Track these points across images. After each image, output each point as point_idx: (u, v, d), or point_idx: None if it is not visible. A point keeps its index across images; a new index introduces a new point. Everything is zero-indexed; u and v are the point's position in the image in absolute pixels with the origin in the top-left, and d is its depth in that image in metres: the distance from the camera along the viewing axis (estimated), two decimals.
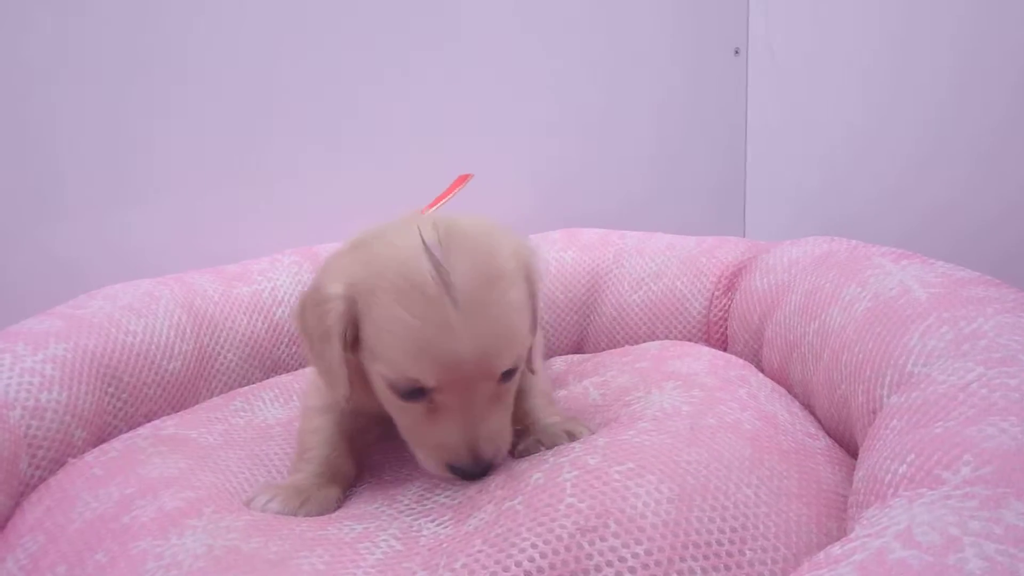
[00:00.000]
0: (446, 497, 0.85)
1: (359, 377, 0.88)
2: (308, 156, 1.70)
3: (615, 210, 1.96)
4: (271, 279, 1.44)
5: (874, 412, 0.77)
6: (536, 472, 0.78)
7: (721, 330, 1.27)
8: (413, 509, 0.84)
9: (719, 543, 0.69)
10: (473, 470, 0.84)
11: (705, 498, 0.72)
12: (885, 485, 0.63)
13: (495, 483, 0.81)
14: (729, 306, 1.26)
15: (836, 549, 0.53)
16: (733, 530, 0.70)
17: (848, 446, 0.89)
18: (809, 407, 0.98)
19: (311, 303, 0.86)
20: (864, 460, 0.71)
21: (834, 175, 1.87)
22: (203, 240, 1.62)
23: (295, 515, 0.84)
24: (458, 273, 0.80)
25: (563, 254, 1.50)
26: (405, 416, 0.87)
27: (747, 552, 0.69)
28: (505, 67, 1.87)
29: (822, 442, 0.88)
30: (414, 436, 0.87)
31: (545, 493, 0.74)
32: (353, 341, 0.85)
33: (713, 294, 1.28)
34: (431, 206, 1.00)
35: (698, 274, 1.31)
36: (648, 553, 0.67)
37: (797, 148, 1.97)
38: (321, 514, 0.86)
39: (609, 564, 0.66)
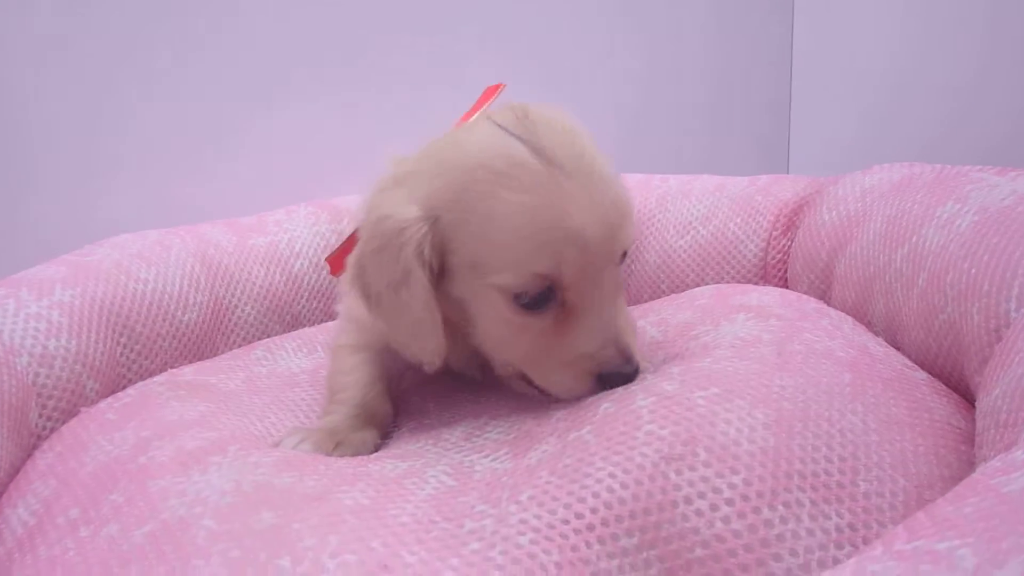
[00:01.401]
0: (498, 433, 0.75)
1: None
2: (320, 108, 1.61)
3: (650, 156, 1.87)
4: (287, 230, 1.36)
5: (998, 330, 0.67)
6: (605, 402, 0.69)
7: (780, 273, 1.17)
8: (462, 446, 0.74)
9: (827, 473, 0.59)
10: (627, 370, 0.73)
11: (807, 424, 0.62)
12: None
13: (556, 415, 0.72)
14: (789, 247, 1.16)
15: (1019, 454, 0.43)
16: (842, 459, 0.60)
17: (950, 381, 0.79)
18: (896, 345, 0.88)
19: (372, 250, 0.74)
20: (1000, 378, 0.61)
21: (882, 116, 1.77)
22: (206, 202, 1.53)
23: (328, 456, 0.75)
24: (553, 146, 0.70)
25: None
26: (526, 340, 0.75)
27: (861, 483, 0.59)
28: (539, 7, 1.77)
29: (922, 374, 0.78)
30: (542, 361, 0.76)
31: (618, 422, 0.64)
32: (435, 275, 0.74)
33: (771, 234, 1.18)
34: (462, 121, 0.90)
35: (753, 214, 1.21)
36: (747, 483, 0.57)
37: (844, 90, 1.87)
38: (356, 455, 0.77)
39: (702, 495, 0.57)
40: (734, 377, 0.68)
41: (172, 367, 1.09)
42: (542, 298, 0.72)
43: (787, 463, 0.59)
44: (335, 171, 1.60)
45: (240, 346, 1.22)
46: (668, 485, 0.58)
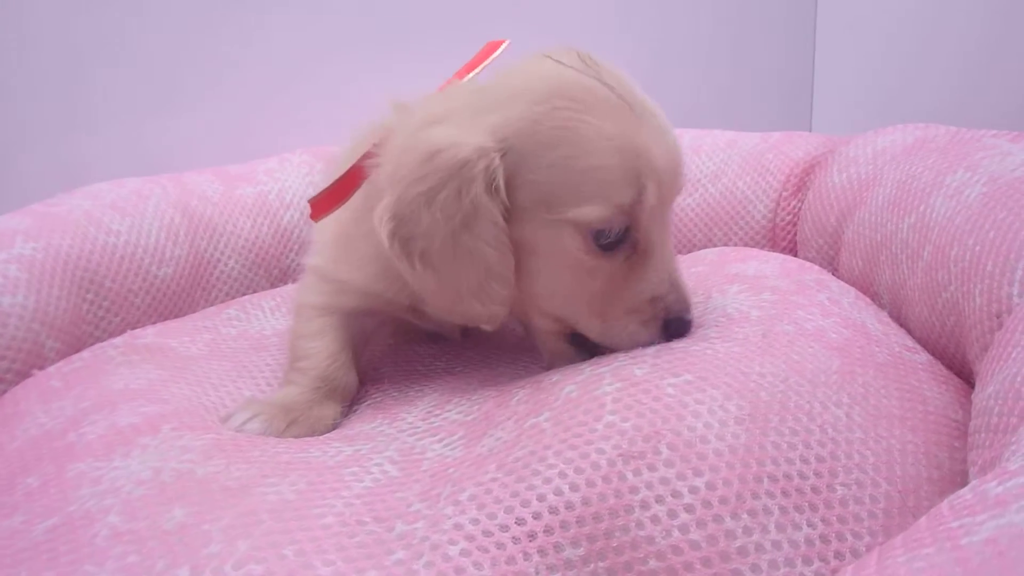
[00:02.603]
0: (459, 412, 0.70)
1: None
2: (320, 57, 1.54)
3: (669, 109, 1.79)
4: (279, 179, 1.30)
5: (999, 316, 0.61)
6: (568, 383, 0.63)
7: (789, 235, 1.10)
8: (417, 428, 0.69)
9: (802, 476, 0.54)
10: (688, 317, 0.70)
11: (784, 419, 0.57)
12: None
13: (517, 396, 0.67)
14: (799, 208, 1.09)
15: (992, 487, 0.37)
16: (820, 459, 0.55)
17: (952, 363, 0.72)
18: (900, 320, 0.82)
19: (420, 192, 0.65)
20: (995, 372, 0.55)
21: (910, 69, 1.68)
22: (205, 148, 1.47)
23: (280, 436, 0.71)
24: (619, 86, 0.68)
25: None
26: (594, 286, 0.69)
27: (838, 488, 0.53)
28: None
29: (922, 356, 0.71)
30: (606, 311, 0.70)
31: (579, 409, 0.59)
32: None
33: (781, 194, 1.11)
34: (460, 75, 0.83)
35: (763, 172, 1.14)
36: (710, 487, 0.52)
37: (870, 41, 1.77)
38: (310, 435, 0.72)
39: (660, 500, 0.51)
40: (711, 362, 0.62)
41: (144, 324, 1.05)
42: (618, 240, 0.67)
43: (757, 464, 0.53)
44: (336, 115, 1.54)
45: (224, 302, 1.17)
46: (624, 487, 0.52)
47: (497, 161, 0.64)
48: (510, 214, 0.67)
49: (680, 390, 0.58)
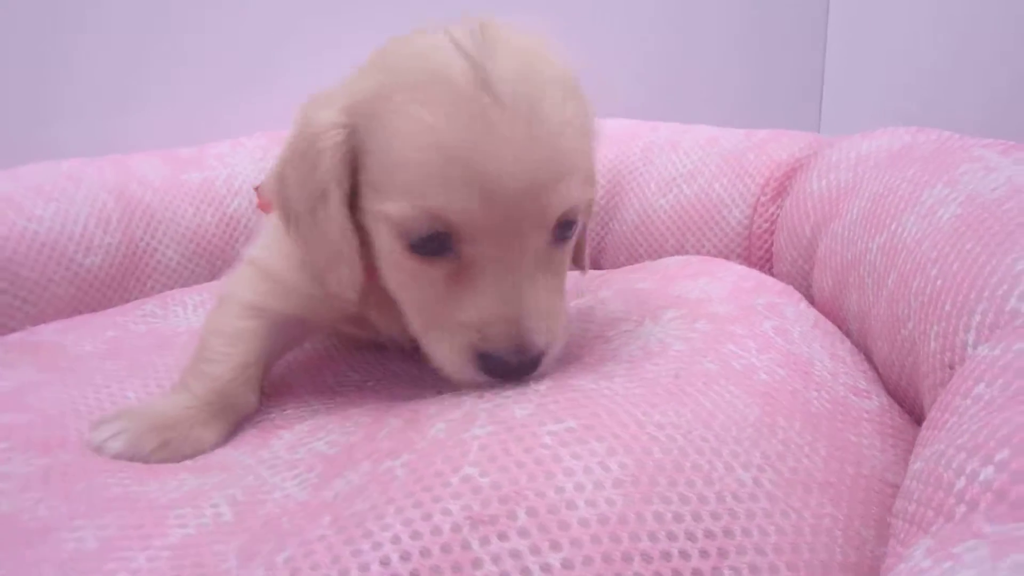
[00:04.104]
0: (327, 443, 0.62)
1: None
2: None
3: (671, 102, 1.69)
4: (229, 165, 1.22)
5: (952, 366, 0.51)
6: (441, 420, 0.54)
7: (766, 246, 1.00)
8: (279, 459, 0.61)
9: (683, 555, 0.44)
10: (512, 360, 0.58)
11: (674, 482, 0.47)
12: (954, 495, 0.37)
13: (387, 428, 0.58)
14: (777, 215, 0.98)
15: None
16: (709, 535, 0.45)
17: (913, 408, 0.62)
18: (866, 350, 0.72)
19: (291, 159, 0.63)
20: (928, 442, 0.45)
21: (926, 65, 1.57)
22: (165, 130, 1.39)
23: (145, 460, 0.63)
24: (500, 68, 0.56)
25: None
26: (418, 290, 0.62)
27: (726, 572, 0.44)
28: None
29: (874, 402, 0.62)
30: (428, 315, 0.62)
31: (439, 455, 0.50)
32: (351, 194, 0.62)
33: (759, 199, 1.00)
34: None
35: (741, 174, 1.03)
36: (567, 566, 0.43)
37: (883, 41, 1.66)
38: (181, 460, 0.64)
39: None
40: (604, 406, 0.53)
41: (72, 316, 0.98)
42: (435, 243, 0.58)
43: (630, 539, 0.44)
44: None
45: (160, 292, 1.10)
46: (465, 560, 0.43)
47: (341, 137, 0.60)
48: (361, 191, 0.61)
49: (558, 440, 0.49)
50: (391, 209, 0.58)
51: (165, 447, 0.64)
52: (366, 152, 0.60)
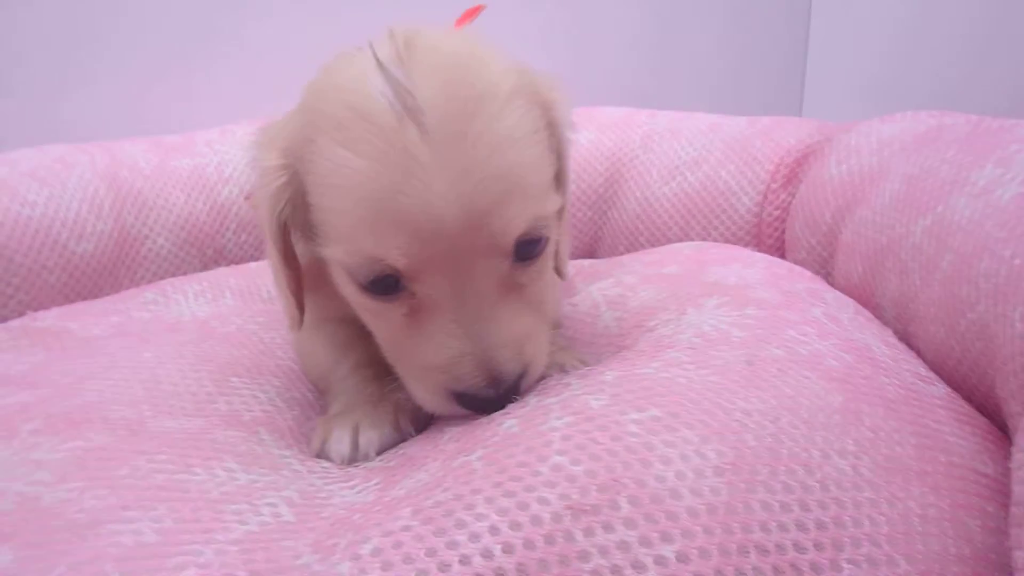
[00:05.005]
0: (380, 459, 0.59)
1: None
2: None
3: (653, 86, 1.68)
4: (218, 152, 1.18)
5: None
6: (509, 418, 0.51)
7: (776, 233, 0.98)
8: (330, 472, 0.57)
9: (798, 547, 0.42)
10: (487, 394, 0.55)
11: (775, 471, 0.45)
12: None
13: (448, 433, 0.54)
14: (789, 203, 0.97)
15: None
16: (821, 526, 0.43)
17: (974, 396, 0.61)
18: (907, 339, 0.70)
19: (254, 188, 0.64)
20: None
21: (906, 54, 1.58)
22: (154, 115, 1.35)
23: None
24: (425, 92, 0.52)
25: (577, 135, 1.19)
26: (382, 324, 0.60)
27: (845, 567, 0.42)
28: None
29: (940, 388, 0.60)
30: (397, 356, 0.60)
31: (519, 447, 0.47)
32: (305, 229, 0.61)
33: (768, 186, 0.99)
34: None
35: (749, 161, 1.02)
36: (681, 559, 0.40)
37: (865, 24, 1.67)
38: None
39: (616, 571, 0.39)
40: (685, 393, 0.50)
41: (64, 304, 0.96)
42: (383, 284, 0.56)
43: (742, 530, 0.42)
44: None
45: (151, 282, 1.05)
46: (571, 552, 0.40)
47: (283, 179, 0.59)
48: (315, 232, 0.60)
49: (646, 428, 0.46)
50: (331, 254, 0.57)
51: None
52: (306, 192, 0.58)
